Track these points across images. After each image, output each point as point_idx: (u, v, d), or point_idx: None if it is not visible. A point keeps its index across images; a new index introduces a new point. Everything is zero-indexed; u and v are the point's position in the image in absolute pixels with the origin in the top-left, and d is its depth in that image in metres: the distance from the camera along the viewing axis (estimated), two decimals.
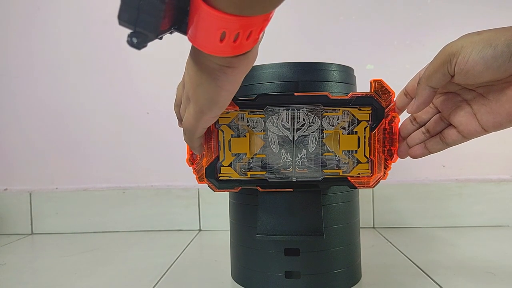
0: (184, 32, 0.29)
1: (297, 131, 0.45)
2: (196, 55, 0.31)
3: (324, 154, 0.46)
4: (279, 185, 0.46)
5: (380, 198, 0.85)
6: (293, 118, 0.45)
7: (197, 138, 0.41)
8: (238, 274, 0.54)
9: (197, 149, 0.43)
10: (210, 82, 0.32)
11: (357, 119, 0.45)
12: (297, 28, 0.86)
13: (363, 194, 0.84)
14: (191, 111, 0.36)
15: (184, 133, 0.40)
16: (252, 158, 0.46)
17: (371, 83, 0.44)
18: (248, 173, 0.46)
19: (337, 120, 0.45)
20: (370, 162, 0.45)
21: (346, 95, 0.44)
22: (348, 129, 0.45)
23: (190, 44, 0.31)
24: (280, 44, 0.84)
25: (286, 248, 0.48)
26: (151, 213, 0.87)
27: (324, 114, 0.45)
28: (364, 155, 0.45)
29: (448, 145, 0.41)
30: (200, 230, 0.87)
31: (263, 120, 0.45)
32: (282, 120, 0.45)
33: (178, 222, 0.87)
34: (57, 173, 0.90)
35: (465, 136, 0.39)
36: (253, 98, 0.44)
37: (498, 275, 0.55)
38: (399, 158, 0.46)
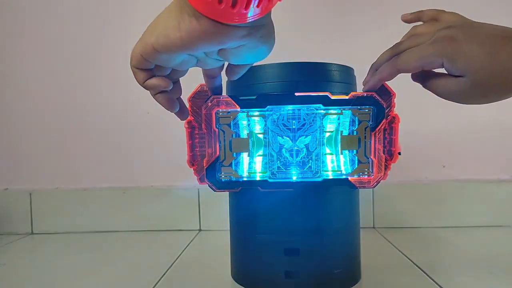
0: None
1: (297, 131, 0.45)
2: None
3: (325, 154, 0.46)
4: (280, 185, 0.46)
5: (380, 198, 0.85)
6: (293, 118, 0.45)
7: (136, 69, 0.38)
8: (238, 274, 0.54)
9: (139, 80, 0.40)
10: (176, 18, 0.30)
11: (358, 119, 0.45)
12: (297, 28, 0.86)
13: (363, 194, 0.83)
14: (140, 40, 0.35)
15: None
16: (252, 158, 0.46)
17: None
18: (249, 173, 0.46)
19: (338, 120, 0.45)
20: (370, 162, 0.45)
21: (347, 95, 0.44)
22: (348, 129, 0.45)
23: None
24: (280, 44, 0.84)
25: (286, 248, 0.48)
26: (151, 213, 0.87)
27: (324, 114, 0.45)
28: (365, 155, 0.45)
29: None
30: (200, 230, 0.87)
31: (264, 120, 0.45)
32: (282, 120, 0.45)
33: (178, 222, 0.87)
34: (57, 173, 0.90)
35: None
36: (253, 98, 0.44)
37: (498, 275, 0.55)
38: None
